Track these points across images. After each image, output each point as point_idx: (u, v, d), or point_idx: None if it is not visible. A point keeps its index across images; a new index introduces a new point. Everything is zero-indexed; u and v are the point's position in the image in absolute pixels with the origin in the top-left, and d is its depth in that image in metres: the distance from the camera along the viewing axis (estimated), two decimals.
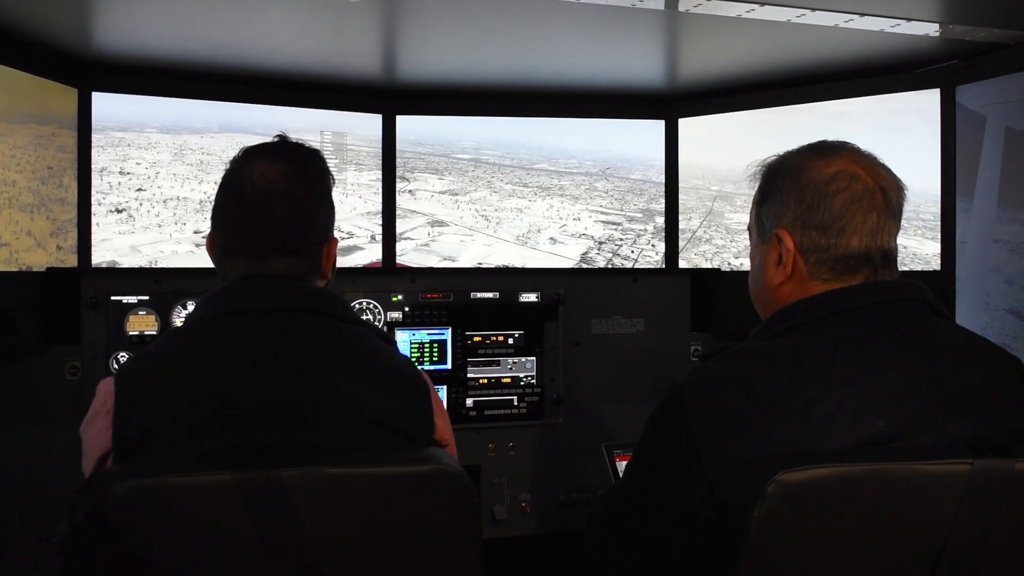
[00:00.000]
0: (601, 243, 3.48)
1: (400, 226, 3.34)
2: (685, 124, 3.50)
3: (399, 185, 3.35)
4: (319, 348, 1.51)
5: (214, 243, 1.68)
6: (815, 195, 1.53)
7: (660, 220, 3.53)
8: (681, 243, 3.47)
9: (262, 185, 1.61)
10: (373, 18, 2.54)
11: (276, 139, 1.73)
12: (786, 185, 1.57)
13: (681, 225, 3.48)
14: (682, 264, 3.47)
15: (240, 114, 3.13)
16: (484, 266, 3.38)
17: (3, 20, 2.48)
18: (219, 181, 1.69)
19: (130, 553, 1.26)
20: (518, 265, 3.39)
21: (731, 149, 3.36)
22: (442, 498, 1.37)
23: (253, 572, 1.28)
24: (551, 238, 3.46)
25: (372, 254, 3.30)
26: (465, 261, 3.38)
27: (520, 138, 3.49)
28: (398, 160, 3.35)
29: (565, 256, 3.45)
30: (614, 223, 3.49)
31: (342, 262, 3.15)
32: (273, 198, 1.61)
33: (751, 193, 1.71)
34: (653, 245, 3.52)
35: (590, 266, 3.45)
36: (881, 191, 1.53)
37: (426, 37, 2.71)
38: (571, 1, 2.26)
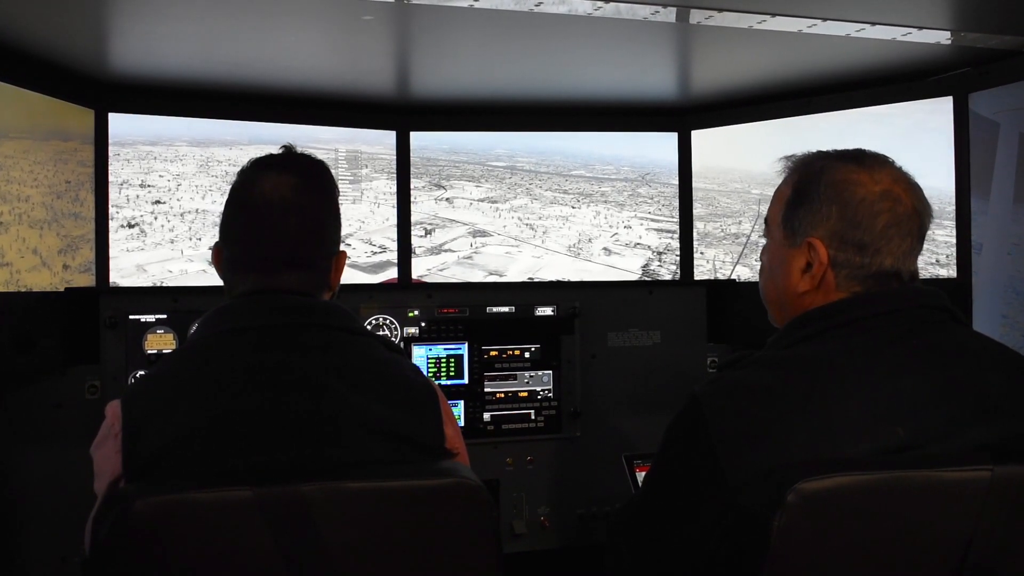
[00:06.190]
0: (660, 253, 3.47)
1: (440, 236, 3.34)
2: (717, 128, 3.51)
3: (436, 193, 3.35)
4: (325, 362, 1.50)
5: (220, 255, 1.67)
6: (859, 213, 1.50)
7: (710, 226, 3.51)
8: (737, 249, 3.46)
9: (273, 197, 1.60)
10: (386, 36, 2.56)
11: (283, 150, 1.72)
12: (828, 195, 1.53)
13: (732, 229, 3.48)
14: (744, 271, 3.46)
15: (272, 128, 3.15)
16: (503, 280, 3.38)
17: (21, 43, 2.51)
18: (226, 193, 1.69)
19: (152, 570, 1.26)
20: (574, 279, 3.38)
21: (764, 152, 3.35)
22: (461, 511, 1.36)
23: None
24: (604, 248, 3.44)
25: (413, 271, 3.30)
26: (514, 275, 3.36)
27: (554, 145, 3.49)
28: (433, 169, 3.37)
29: (624, 269, 3.42)
30: (668, 231, 3.47)
31: (376, 278, 3.15)
32: (284, 210, 1.60)
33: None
34: (719, 258, 3.50)
35: (651, 278, 3.43)
36: (918, 215, 1.52)
37: (438, 54, 2.73)
38: (582, 15, 2.27)
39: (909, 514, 1.25)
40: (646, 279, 3.46)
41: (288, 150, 1.72)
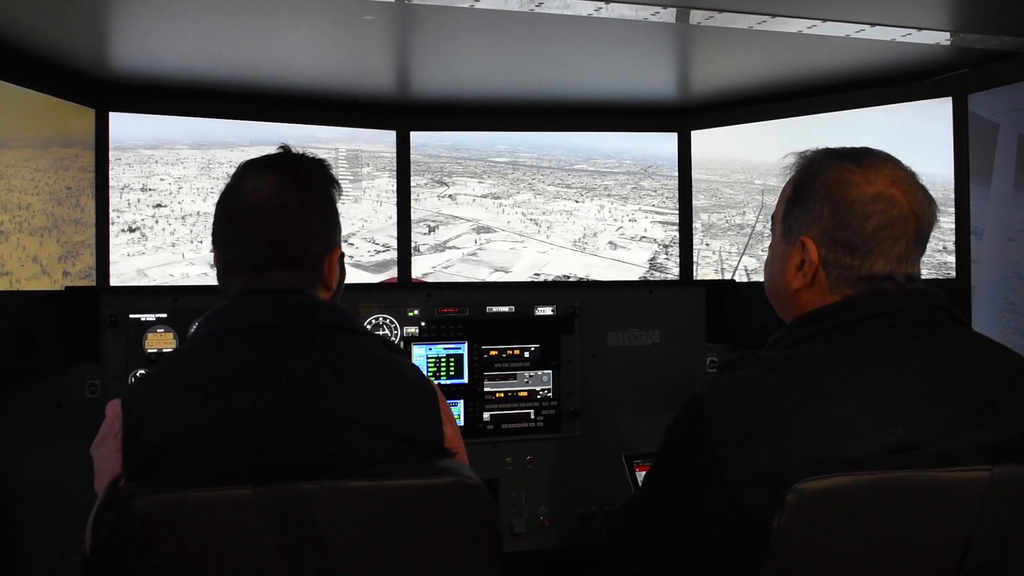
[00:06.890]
0: (667, 247, 3.45)
1: (444, 233, 3.34)
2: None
3: (439, 190, 3.35)
4: (324, 361, 1.50)
5: (218, 259, 1.68)
6: (849, 214, 1.49)
7: (714, 217, 3.51)
8: (742, 240, 3.46)
9: (254, 200, 1.61)
10: (386, 36, 2.56)
11: (279, 150, 1.72)
12: (822, 194, 1.53)
13: (737, 220, 3.48)
14: (751, 262, 3.46)
15: (273, 129, 3.14)
16: (503, 280, 3.37)
17: (22, 42, 2.51)
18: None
19: (153, 569, 1.27)
20: (581, 275, 3.37)
21: (766, 151, 3.36)
22: (461, 510, 1.37)
23: None
24: (610, 242, 3.44)
25: (415, 270, 3.29)
26: (519, 271, 3.35)
27: (555, 140, 3.49)
28: (435, 165, 3.37)
29: (631, 263, 3.40)
30: (673, 223, 3.46)
31: (379, 277, 3.15)
32: (264, 212, 1.60)
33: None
34: (725, 249, 3.49)
35: (663, 275, 3.42)
36: (915, 218, 1.50)
37: (439, 54, 2.73)
38: (583, 16, 2.27)
39: (909, 514, 1.25)
40: (647, 278, 3.46)
41: (285, 150, 1.73)
